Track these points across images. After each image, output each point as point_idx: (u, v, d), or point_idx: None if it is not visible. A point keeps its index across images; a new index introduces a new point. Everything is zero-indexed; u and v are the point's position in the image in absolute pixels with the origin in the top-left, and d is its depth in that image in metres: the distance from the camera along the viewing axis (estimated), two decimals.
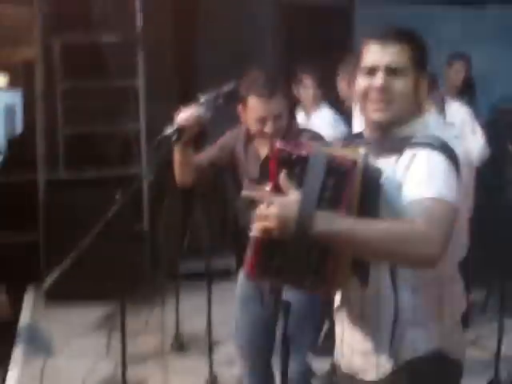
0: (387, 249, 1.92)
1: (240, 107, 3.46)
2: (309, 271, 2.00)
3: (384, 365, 2.23)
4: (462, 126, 5.53)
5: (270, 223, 1.95)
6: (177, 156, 3.46)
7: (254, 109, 3.38)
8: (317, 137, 3.49)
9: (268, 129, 3.36)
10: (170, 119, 3.58)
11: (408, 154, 2.08)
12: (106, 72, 7.15)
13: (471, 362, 4.51)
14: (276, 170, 2.02)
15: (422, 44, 2.22)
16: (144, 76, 6.77)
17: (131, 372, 4.39)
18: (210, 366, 4.52)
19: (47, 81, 6.73)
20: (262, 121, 3.36)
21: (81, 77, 6.67)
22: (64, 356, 5.17)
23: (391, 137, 2.19)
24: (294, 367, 3.45)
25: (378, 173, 2.07)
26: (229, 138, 3.70)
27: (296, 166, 2.00)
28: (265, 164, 3.47)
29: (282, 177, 1.99)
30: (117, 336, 4.17)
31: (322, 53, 6.72)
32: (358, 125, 3.59)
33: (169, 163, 4.20)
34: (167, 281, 6.17)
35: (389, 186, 2.08)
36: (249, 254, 2.05)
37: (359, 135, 2.33)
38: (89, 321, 5.74)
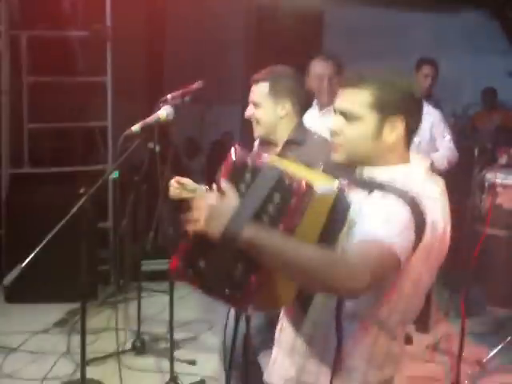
0: (311, 274, 1.89)
1: None
2: (229, 283, 1.95)
3: None
4: (432, 129, 5.61)
5: (202, 220, 1.94)
6: None
7: None
8: (322, 143, 3.37)
9: (246, 112, 3.45)
10: (137, 117, 3.57)
11: (377, 194, 2.05)
12: (73, 67, 7.09)
13: (432, 365, 4.54)
14: (227, 173, 2.01)
15: (388, 87, 2.13)
16: (112, 73, 6.70)
17: (91, 371, 4.36)
18: (171, 367, 4.49)
19: (13, 75, 6.64)
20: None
21: (47, 72, 6.58)
22: (23, 354, 5.09)
23: (364, 176, 2.17)
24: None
25: (347, 207, 2.05)
26: None
27: (248, 173, 1.98)
28: None
29: (224, 180, 2.01)
30: (77, 335, 4.12)
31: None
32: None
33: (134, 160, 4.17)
34: (130, 280, 6.13)
35: (354, 221, 2.05)
36: (178, 248, 2.02)
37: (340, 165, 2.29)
38: (49, 319, 5.66)
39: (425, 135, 5.52)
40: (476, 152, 5.87)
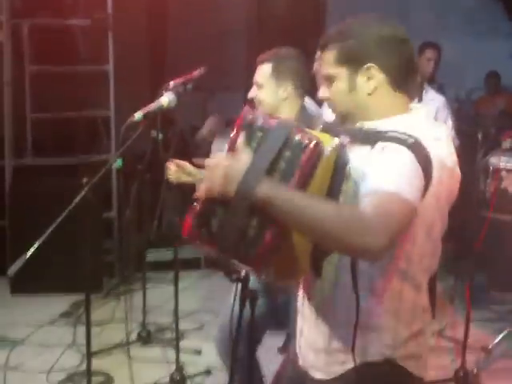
0: (327, 230, 1.84)
1: None
2: (244, 242, 1.92)
3: (333, 366, 2.20)
4: (437, 114, 5.59)
5: (215, 179, 1.91)
6: None
7: None
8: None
9: (249, 94, 3.45)
10: (139, 105, 3.54)
11: (380, 145, 2.02)
12: (75, 56, 7.06)
13: (438, 351, 4.54)
14: (238, 132, 1.99)
15: (350, 40, 2.12)
16: (114, 61, 6.68)
17: (97, 363, 4.36)
18: (177, 357, 4.48)
19: (15, 64, 6.62)
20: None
21: (49, 61, 6.56)
22: (29, 347, 5.10)
23: (365, 129, 2.14)
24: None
25: (347, 163, 2.04)
26: None
27: (259, 131, 1.97)
28: None
29: (242, 139, 1.97)
30: (82, 327, 4.12)
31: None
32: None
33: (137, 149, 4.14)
34: (134, 271, 6.14)
35: (358, 177, 2.02)
36: (191, 211, 2.00)
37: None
38: (55, 311, 5.67)
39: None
40: (480, 137, 5.86)
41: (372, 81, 2.12)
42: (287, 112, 3.43)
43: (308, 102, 5.37)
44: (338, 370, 2.19)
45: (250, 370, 2.74)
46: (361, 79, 2.13)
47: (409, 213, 1.91)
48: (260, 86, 3.45)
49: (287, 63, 3.45)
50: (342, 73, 2.14)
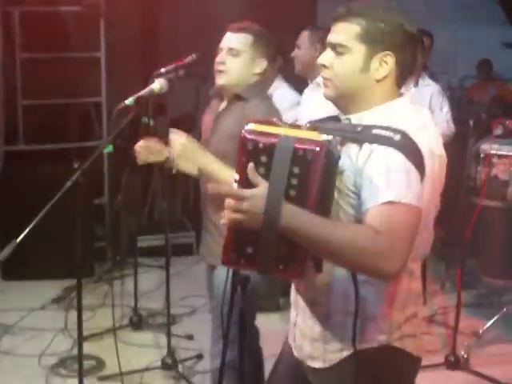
0: (345, 256, 1.90)
1: None
2: (280, 259, 1.97)
3: (330, 354, 2.21)
4: (431, 101, 5.59)
5: (240, 217, 1.92)
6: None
7: None
8: (266, 105, 3.33)
9: (217, 58, 3.31)
10: (131, 92, 3.54)
11: (367, 148, 2.02)
12: (67, 43, 7.04)
13: (429, 337, 4.56)
14: (244, 161, 1.96)
15: (378, 21, 2.11)
16: (106, 48, 6.66)
17: (89, 347, 4.37)
18: (168, 342, 4.50)
19: (6, 51, 6.59)
20: (219, 52, 3.32)
21: (41, 47, 6.53)
22: (21, 331, 5.10)
23: (352, 124, 2.14)
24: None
25: (337, 159, 2.03)
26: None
27: (263, 155, 1.95)
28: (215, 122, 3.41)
29: (250, 169, 1.94)
30: (74, 311, 4.13)
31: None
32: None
33: (129, 135, 4.13)
34: (126, 256, 6.14)
35: (349, 175, 2.04)
36: (224, 241, 2.03)
37: (328, 119, 2.28)
38: (46, 296, 5.67)
39: (424, 106, 5.50)
40: (471, 123, 5.87)
41: (384, 69, 2.12)
42: (248, 89, 3.33)
43: (283, 84, 5.37)
44: (335, 357, 2.20)
45: (241, 353, 2.73)
46: (374, 63, 2.12)
47: (416, 219, 1.95)
48: (236, 54, 3.30)
49: (267, 41, 3.37)
50: (359, 50, 2.11)
